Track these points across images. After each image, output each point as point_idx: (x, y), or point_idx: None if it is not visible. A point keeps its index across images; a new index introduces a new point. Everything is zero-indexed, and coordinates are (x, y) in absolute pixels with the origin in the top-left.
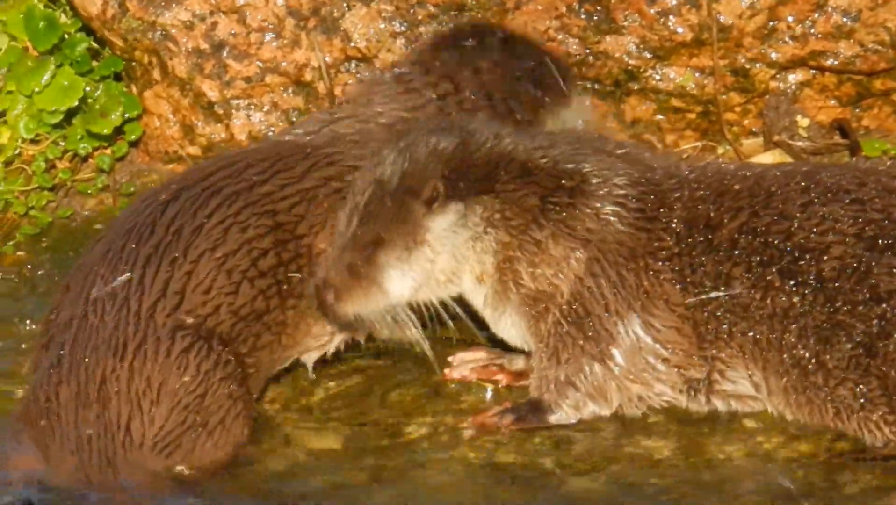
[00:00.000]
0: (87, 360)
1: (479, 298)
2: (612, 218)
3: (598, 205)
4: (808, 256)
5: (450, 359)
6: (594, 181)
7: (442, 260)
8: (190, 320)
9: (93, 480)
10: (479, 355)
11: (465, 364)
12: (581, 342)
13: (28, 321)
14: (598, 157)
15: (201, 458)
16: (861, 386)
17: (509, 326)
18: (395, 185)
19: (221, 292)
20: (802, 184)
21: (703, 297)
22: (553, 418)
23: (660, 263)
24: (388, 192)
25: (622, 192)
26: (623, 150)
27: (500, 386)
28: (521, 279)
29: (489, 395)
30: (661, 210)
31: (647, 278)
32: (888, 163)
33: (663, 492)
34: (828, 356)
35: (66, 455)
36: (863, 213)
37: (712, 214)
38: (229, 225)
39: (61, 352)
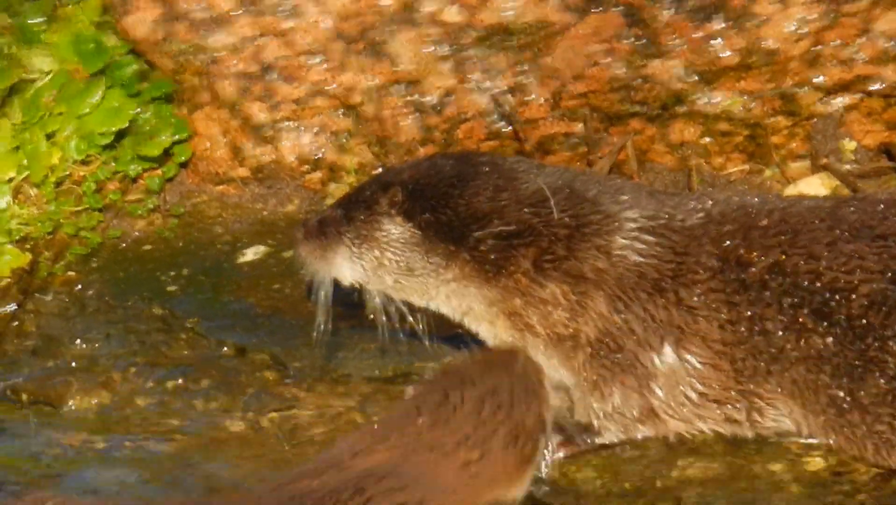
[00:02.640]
0: None
1: (484, 334)
2: (625, 252)
3: (604, 242)
4: (837, 297)
5: None
6: (595, 220)
7: (392, 268)
8: None
9: None
10: None
11: None
12: (620, 376)
13: (78, 340)
14: (602, 196)
15: None
16: None
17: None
18: (385, 180)
19: None
20: (827, 221)
21: (739, 337)
22: (601, 441)
23: (695, 299)
24: (378, 182)
25: (635, 224)
26: (638, 188)
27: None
28: (535, 330)
29: None
30: (690, 245)
31: (679, 314)
32: None
33: None
34: (862, 393)
35: None
36: (886, 248)
37: (742, 252)
38: None
39: None
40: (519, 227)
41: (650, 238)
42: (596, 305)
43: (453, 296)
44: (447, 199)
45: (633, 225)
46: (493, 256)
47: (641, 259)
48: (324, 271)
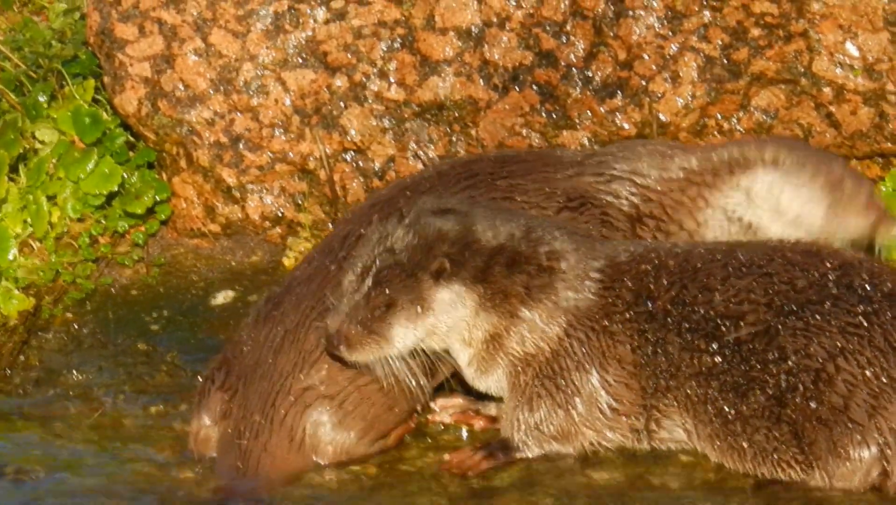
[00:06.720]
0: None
1: (462, 357)
2: (583, 288)
3: (572, 276)
4: (727, 323)
5: (431, 405)
6: (570, 259)
7: (442, 326)
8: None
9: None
10: (457, 402)
11: (445, 410)
12: (553, 393)
13: (75, 372)
14: (571, 238)
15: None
16: (774, 432)
17: (492, 383)
18: (405, 257)
19: None
20: (722, 260)
21: (646, 359)
22: (519, 455)
23: (616, 326)
24: (400, 262)
25: (590, 264)
26: (588, 233)
27: (475, 428)
28: (509, 350)
29: (465, 434)
30: (616, 281)
31: (604, 338)
32: (792, 241)
33: None
34: (745, 407)
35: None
36: (771, 284)
37: (652, 287)
38: None
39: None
40: (517, 258)
41: (597, 279)
42: (558, 329)
43: (467, 330)
44: (471, 249)
45: (589, 264)
46: (500, 286)
47: (591, 295)
48: (387, 353)
